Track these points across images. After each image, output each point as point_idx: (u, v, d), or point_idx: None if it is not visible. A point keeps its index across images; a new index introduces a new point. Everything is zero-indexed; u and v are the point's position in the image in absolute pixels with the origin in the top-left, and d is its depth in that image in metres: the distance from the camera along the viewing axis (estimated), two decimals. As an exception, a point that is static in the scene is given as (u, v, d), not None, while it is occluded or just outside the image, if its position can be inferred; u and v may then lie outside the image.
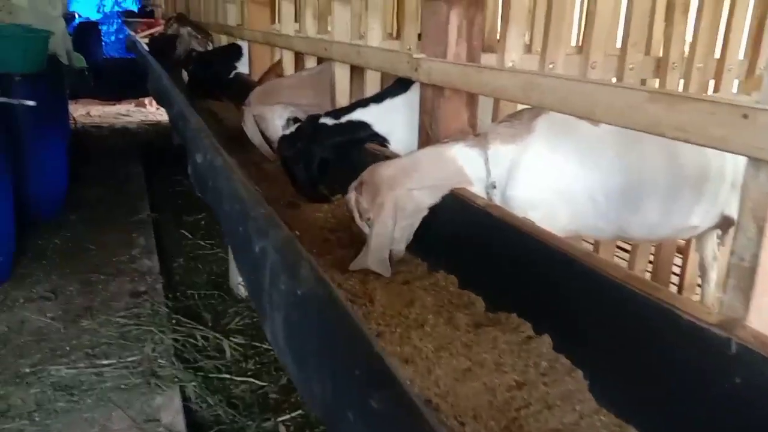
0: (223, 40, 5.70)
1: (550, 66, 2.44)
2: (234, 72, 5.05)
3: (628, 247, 3.88)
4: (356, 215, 1.98)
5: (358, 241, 1.96)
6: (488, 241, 1.66)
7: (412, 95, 2.56)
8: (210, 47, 6.03)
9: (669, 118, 1.26)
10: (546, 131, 1.98)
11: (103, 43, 13.91)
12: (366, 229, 1.92)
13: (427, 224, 1.90)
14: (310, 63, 3.39)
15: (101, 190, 5.82)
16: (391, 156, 2.32)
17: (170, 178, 6.37)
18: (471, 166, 1.97)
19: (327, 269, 1.83)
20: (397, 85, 2.67)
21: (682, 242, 3.80)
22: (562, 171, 1.97)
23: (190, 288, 4.12)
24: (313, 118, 2.72)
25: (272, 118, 2.95)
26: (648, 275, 3.65)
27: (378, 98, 2.69)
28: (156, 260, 4.34)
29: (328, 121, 2.68)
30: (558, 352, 1.37)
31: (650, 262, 3.71)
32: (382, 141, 2.59)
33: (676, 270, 3.92)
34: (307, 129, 2.70)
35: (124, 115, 9.84)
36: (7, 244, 3.91)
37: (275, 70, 3.73)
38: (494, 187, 1.98)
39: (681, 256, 3.86)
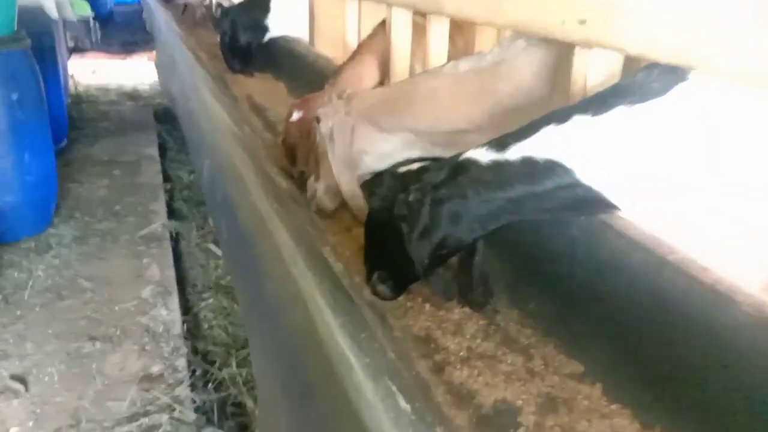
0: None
1: None
2: (266, 34, 3.64)
3: None
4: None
5: None
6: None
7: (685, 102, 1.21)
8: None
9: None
10: None
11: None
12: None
13: None
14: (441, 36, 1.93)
15: (104, 184, 4.52)
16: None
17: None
18: None
19: None
20: (644, 77, 1.29)
21: None
22: None
23: (224, 350, 2.87)
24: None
25: (376, 159, 1.61)
26: None
27: (593, 104, 1.30)
28: (176, 307, 3.08)
29: (481, 155, 1.32)
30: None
31: None
32: (602, 207, 1.26)
33: None
34: (435, 172, 1.35)
35: (135, 72, 8.44)
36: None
37: (373, 44, 2.28)
38: None
39: None
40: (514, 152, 1.30)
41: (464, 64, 1.69)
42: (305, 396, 0.90)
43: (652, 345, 1.02)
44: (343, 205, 1.81)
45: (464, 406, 1.08)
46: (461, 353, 1.23)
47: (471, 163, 1.33)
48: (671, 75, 1.27)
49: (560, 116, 1.31)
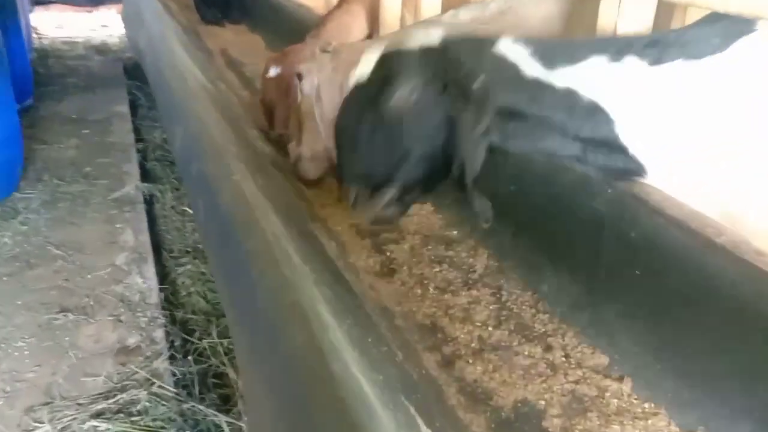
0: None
1: None
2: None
3: None
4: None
5: None
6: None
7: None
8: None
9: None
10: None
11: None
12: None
13: None
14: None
15: (73, 144, 4.30)
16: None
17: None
18: None
19: None
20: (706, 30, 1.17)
21: None
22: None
23: (204, 319, 2.74)
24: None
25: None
26: None
27: (653, 50, 1.18)
28: (152, 274, 2.93)
29: (526, 64, 1.24)
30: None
31: None
32: (631, 172, 1.15)
33: None
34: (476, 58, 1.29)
35: (103, 25, 8.06)
36: None
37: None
38: None
39: None
40: (561, 77, 1.18)
41: (465, 14, 1.52)
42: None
43: (696, 337, 0.90)
44: (330, 172, 1.66)
45: (480, 408, 0.96)
46: (472, 344, 1.10)
47: (513, 69, 1.22)
48: (737, 26, 1.13)
49: (613, 50, 1.19)
